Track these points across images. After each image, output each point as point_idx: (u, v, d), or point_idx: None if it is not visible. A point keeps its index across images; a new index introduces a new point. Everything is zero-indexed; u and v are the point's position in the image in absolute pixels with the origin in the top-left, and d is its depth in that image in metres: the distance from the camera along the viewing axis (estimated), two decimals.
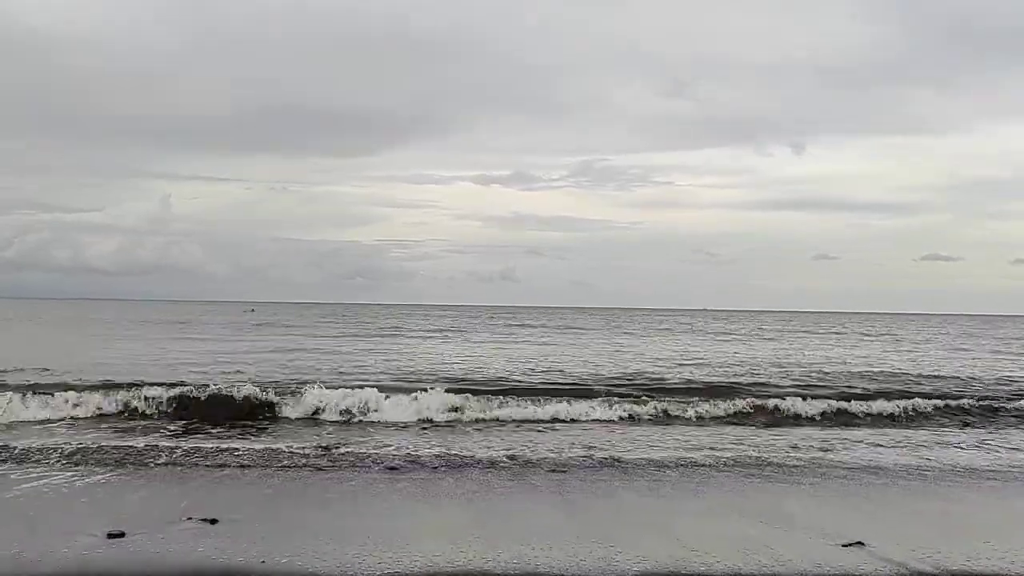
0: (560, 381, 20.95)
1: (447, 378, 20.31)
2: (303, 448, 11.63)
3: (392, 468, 10.54)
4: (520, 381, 20.59)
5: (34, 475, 9.76)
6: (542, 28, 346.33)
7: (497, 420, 15.23)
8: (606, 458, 11.45)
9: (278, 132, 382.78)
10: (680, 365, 27.34)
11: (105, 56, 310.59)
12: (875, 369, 26.88)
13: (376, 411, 15.22)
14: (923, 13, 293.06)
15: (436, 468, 10.59)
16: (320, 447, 11.79)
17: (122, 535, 7.34)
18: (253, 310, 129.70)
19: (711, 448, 12.48)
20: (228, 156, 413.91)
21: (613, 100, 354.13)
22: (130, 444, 11.78)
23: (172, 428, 13.73)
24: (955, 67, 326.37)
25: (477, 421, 15.15)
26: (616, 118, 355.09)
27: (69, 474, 9.86)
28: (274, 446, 11.87)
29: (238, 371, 21.15)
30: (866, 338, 54.53)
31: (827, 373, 24.78)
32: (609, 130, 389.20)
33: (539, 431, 14.22)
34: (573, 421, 15.35)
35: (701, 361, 29.47)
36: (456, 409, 15.61)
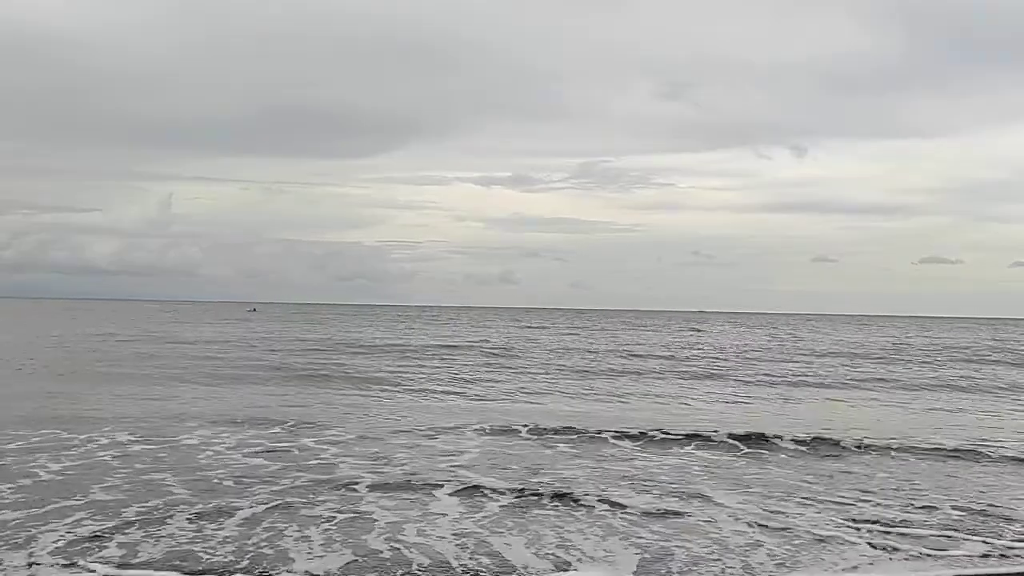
0: None
1: None
2: None
3: None
4: None
5: None
6: (543, 31, 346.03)
7: None
8: None
9: (279, 133, 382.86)
10: None
11: (105, 57, 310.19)
12: None
13: None
14: (923, 18, 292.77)
15: None
16: None
17: None
18: (254, 310, 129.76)
19: None
20: (229, 157, 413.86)
21: (614, 103, 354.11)
22: None
23: None
24: (954, 71, 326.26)
25: None
26: (617, 121, 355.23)
27: None
28: None
29: None
30: None
31: None
32: (610, 132, 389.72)
33: None
34: None
35: None
36: None
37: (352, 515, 9.33)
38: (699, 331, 73.05)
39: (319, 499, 10.02)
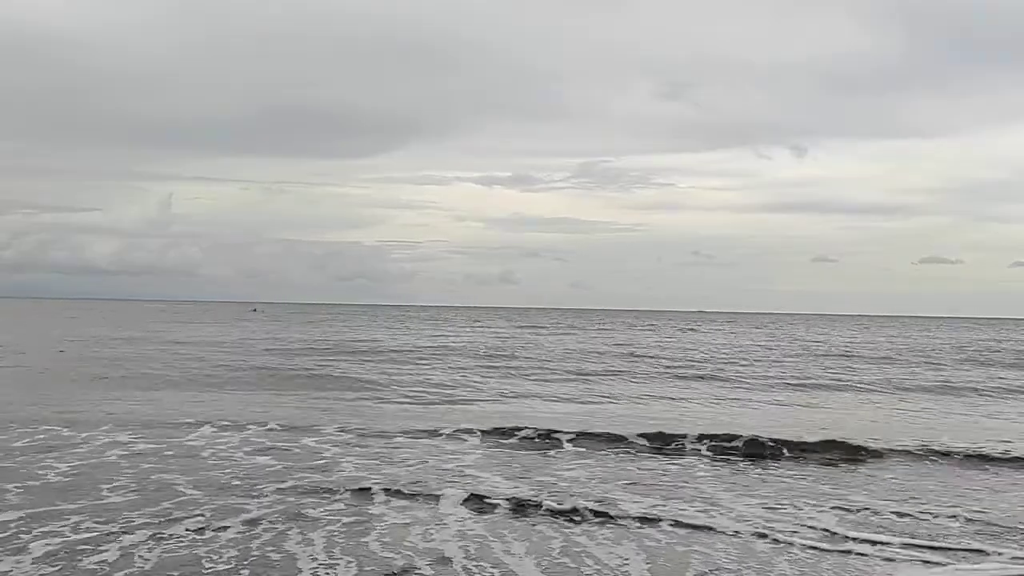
0: None
1: None
2: None
3: None
4: None
5: None
6: (543, 31, 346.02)
7: None
8: None
9: (279, 133, 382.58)
10: None
11: (105, 57, 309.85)
12: None
13: None
14: (923, 18, 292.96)
15: None
16: None
17: None
18: (255, 310, 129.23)
19: None
20: (229, 157, 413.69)
21: (614, 103, 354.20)
22: None
23: None
24: (955, 71, 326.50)
25: None
26: (617, 121, 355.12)
27: None
28: None
29: None
30: None
31: None
32: (610, 132, 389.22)
33: None
34: None
35: None
36: None
37: (356, 518, 9.19)
38: (699, 332, 73.08)
39: (324, 501, 9.92)
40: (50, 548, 7.82)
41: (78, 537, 8.18)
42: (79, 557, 7.61)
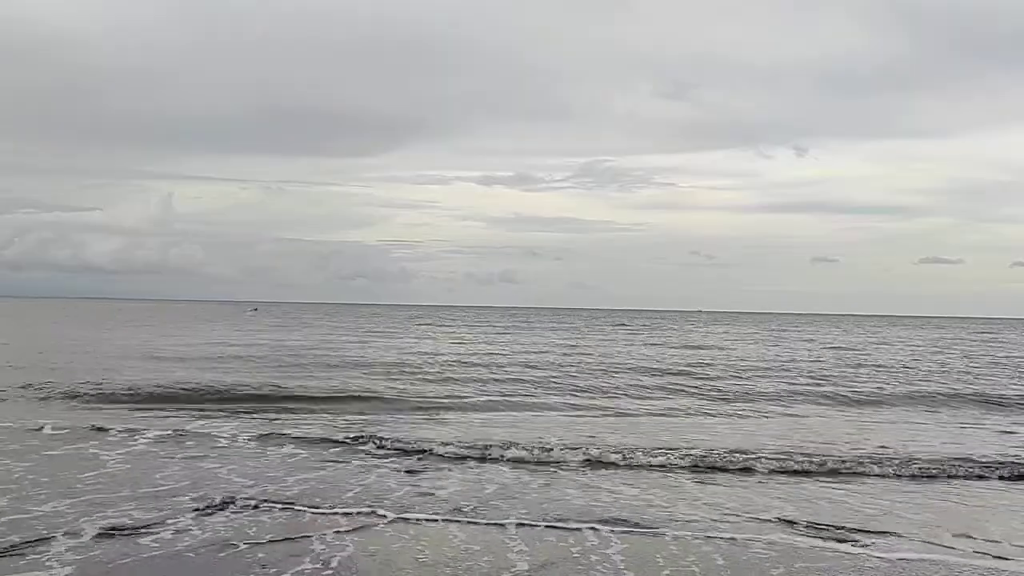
0: None
1: None
2: None
3: None
4: None
5: None
6: (543, 31, 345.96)
7: None
8: None
9: (280, 133, 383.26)
10: None
11: (106, 56, 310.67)
12: None
13: None
14: (925, 19, 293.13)
15: None
16: None
17: None
18: (256, 310, 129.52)
19: None
20: (230, 156, 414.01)
21: (616, 102, 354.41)
22: None
23: None
24: (956, 72, 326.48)
25: None
26: (619, 120, 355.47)
27: None
28: None
29: None
30: None
31: None
32: (612, 132, 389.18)
33: None
34: None
35: None
36: None
37: (367, 510, 10.30)
38: (696, 332, 74.03)
39: (337, 493, 10.98)
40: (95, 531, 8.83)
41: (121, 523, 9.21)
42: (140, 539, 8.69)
